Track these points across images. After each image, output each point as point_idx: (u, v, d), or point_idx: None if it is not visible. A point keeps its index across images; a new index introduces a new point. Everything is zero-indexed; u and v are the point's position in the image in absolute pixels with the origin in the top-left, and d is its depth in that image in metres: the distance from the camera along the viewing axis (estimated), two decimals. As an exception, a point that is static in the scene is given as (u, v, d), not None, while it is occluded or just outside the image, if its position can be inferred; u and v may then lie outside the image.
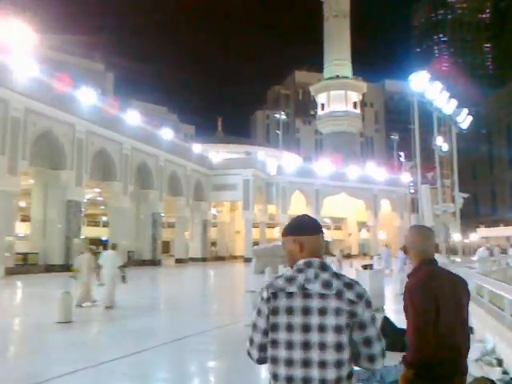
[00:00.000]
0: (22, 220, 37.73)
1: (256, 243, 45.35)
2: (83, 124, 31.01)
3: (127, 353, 7.84)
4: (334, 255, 29.47)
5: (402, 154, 73.22)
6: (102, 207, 49.17)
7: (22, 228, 35.48)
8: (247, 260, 40.12)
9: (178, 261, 44.48)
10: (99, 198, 45.13)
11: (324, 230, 2.41)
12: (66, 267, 29.33)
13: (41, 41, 36.92)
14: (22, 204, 36.73)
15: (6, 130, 25.16)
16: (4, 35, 25.83)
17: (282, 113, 65.07)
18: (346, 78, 77.25)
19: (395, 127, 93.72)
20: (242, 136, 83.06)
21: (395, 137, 72.53)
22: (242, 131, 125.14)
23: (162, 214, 42.17)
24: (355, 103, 78.22)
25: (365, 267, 13.04)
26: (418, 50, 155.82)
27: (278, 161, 56.00)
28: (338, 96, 76.15)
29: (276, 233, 55.26)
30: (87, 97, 31.22)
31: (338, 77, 76.92)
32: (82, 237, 32.30)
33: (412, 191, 38.80)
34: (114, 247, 13.97)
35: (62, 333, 9.77)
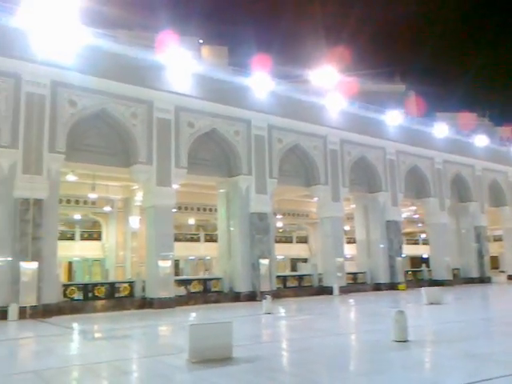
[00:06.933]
0: (347, 242, 40.98)
1: None
2: (392, 145, 31.92)
3: (471, 379, 7.40)
4: None
5: None
6: (420, 225, 48.90)
7: (348, 250, 38.53)
8: None
9: (511, 277, 39.98)
10: (415, 216, 45.10)
11: None
12: (392, 285, 30.27)
13: (346, 77, 40.11)
14: (346, 227, 39.97)
15: (326, 162, 28.25)
16: (318, 80, 29.37)
17: None
18: None
19: None
20: None
21: None
22: None
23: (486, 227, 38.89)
24: None
25: None
26: None
27: None
28: None
29: None
30: (393, 119, 32.14)
31: None
32: (404, 255, 32.74)
33: None
34: None
35: (398, 352, 10.00)
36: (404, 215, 38.25)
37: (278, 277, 26.99)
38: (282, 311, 19.76)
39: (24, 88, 18.62)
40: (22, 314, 17.24)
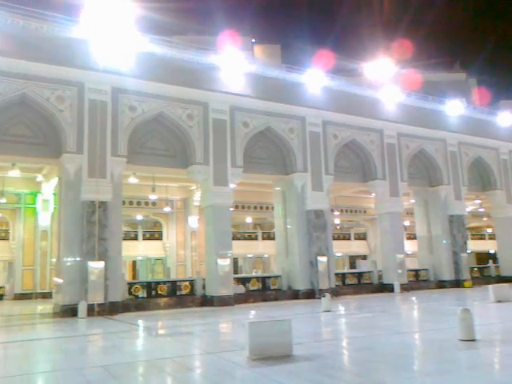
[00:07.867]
0: (407, 238, 39.85)
1: None
2: (454, 137, 30.75)
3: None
4: None
5: None
6: (485, 219, 46.78)
7: (408, 246, 37.49)
8: None
9: None
10: (481, 210, 43.18)
11: None
12: (456, 282, 29.16)
13: (403, 69, 39.00)
14: (406, 223, 38.86)
15: (383, 156, 27.61)
16: (374, 73, 28.82)
17: None
18: None
19: None
20: None
21: None
22: None
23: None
24: None
25: None
26: None
27: None
28: None
29: None
30: (453, 109, 30.94)
31: None
32: (469, 251, 31.44)
33: None
34: None
35: (465, 352, 9.62)
36: (468, 209, 36.72)
37: (337, 274, 26.73)
38: (341, 309, 19.54)
39: (87, 95, 19.55)
40: (90, 311, 18.13)
